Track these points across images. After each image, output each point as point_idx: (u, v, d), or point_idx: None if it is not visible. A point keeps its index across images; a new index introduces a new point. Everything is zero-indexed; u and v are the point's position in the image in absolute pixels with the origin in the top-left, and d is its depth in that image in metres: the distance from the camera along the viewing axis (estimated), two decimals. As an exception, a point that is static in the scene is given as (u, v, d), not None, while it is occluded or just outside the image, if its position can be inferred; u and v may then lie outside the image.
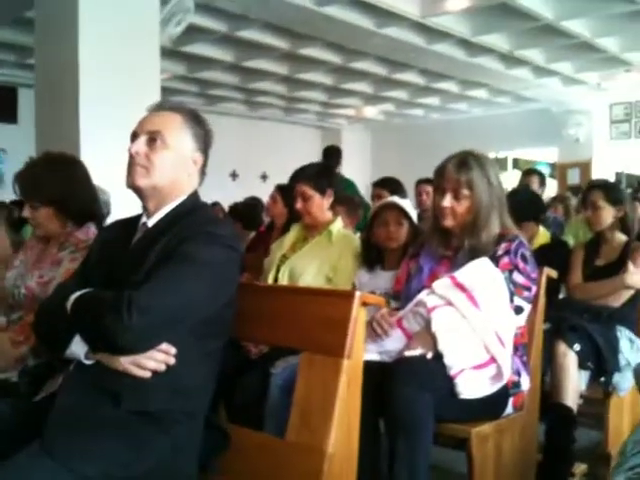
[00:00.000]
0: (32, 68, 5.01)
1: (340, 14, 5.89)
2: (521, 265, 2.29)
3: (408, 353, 2.19)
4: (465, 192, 2.31)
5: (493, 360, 2.16)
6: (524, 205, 3.49)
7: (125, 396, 1.66)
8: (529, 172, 5.70)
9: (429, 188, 4.90)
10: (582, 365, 2.85)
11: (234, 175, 11.16)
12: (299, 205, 2.97)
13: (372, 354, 2.26)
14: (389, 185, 4.86)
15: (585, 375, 2.92)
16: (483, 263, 2.26)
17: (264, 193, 5.38)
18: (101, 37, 4.03)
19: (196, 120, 1.89)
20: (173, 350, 1.69)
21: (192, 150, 1.86)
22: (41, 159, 2.49)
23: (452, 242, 2.40)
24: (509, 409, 2.31)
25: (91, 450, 1.59)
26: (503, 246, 2.30)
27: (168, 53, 6.51)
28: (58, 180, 2.36)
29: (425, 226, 2.67)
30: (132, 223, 1.90)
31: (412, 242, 2.65)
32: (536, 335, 2.52)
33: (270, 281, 2.93)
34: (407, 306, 2.33)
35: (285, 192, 4.12)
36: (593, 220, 3.25)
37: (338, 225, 2.99)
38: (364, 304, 1.82)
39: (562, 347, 2.82)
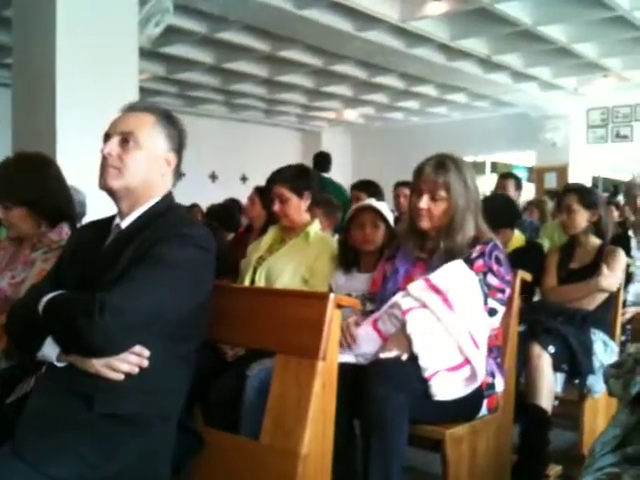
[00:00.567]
0: (9, 67, 4.96)
1: (319, 17, 5.89)
2: (495, 267, 2.30)
3: (383, 355, 2.19)
4: (442, 194, 2.32)
5: (467, 362, 2.18)
6: (499, 211, 3.49)
7: (97, 399, 1.65)
8: (505, 176, 5.72)
9: (407, 191, 4.89)
10: (556, 367, 2.87)
11: (214, 177, 11.11)
12: (276, 207, 2.96)
13: (348, 356, 2.27)
14: (368, 188, 4.89)
15: (561, 377, 2.95)
16: (458, 265, 2.27)
17: (244, 195, 5.36)
18: (79, 37, 3.99)
19: (169, 120, 1.87)
20: (146, 352, 1.68)
21: (165, 150, 1.85)
22: (14, 159, 2.46)
23: (427, 244, 2.41)
24: (483, 410, 2.32)
25: (63, 453, 1.58)
26: (478, 249, 2.31)
27: (147, 54, 6.46)
28: (31, 180, 2.34)
29: (401, 228, 2.68)
30: (106, 224, 1.89)
31: (388, 245, 2.66)
32: (511, 337, 2.53)
33: (247, 283, 2.92)
34: (382, 308, 2.34)
35: (263, 194, 4.11)
36: (568, 223, 3.28)
37: (315, 227, 2.99)
38: (339, 306, 1.83)
39: (537, 349, 2.84)
